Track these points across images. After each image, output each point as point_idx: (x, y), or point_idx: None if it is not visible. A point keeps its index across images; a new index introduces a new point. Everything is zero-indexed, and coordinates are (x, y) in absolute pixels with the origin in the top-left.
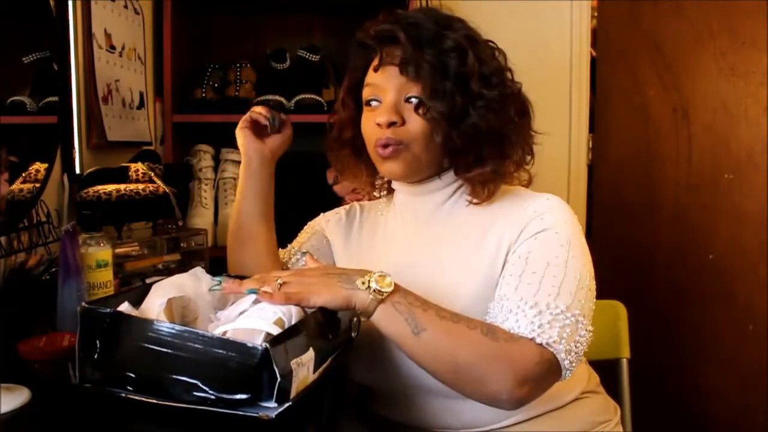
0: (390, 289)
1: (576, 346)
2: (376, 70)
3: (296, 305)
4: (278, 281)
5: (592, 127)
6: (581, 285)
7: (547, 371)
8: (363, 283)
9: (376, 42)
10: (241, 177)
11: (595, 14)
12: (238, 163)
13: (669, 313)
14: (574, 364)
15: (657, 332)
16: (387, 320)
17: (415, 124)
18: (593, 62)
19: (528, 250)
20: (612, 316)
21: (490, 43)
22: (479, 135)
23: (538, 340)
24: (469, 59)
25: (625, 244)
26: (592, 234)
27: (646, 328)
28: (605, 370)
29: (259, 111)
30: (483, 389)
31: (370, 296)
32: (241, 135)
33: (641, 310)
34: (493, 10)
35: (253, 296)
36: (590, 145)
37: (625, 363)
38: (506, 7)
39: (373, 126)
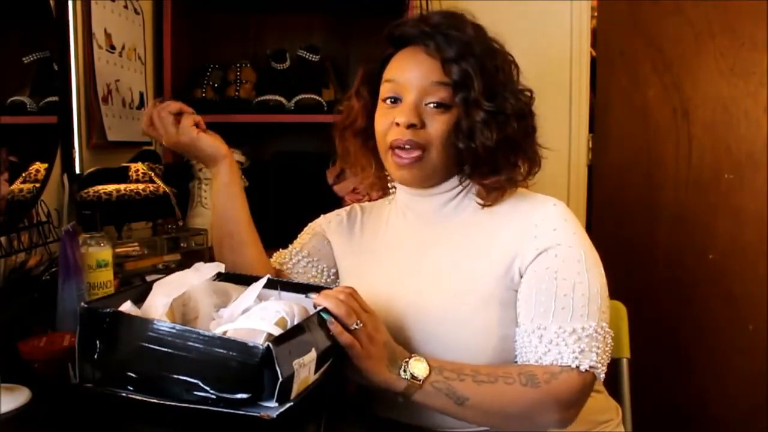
0: (425, 374)
1: (607, 356)
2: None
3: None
4: (356, 325)
5: (592, 127)
6: (602, 295)
7: (588, 390)
8: (402, 369)
9: (406, 38)
10: (224, 181)
11: (595, 14)
12: (239, 163)
13: (669, 313)
14: (605, 371)
15: (657, 332)
16: (429, 400)
17: (436, 127)
18: (593, 62)
19: (555, 270)
20: (612, 316)
21: (509, 57)
22: (499, 144)
23: (582, 368)
24: (498, 70)
25: (625, 244)
26: (592, 234)
27: (646, 328)
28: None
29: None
30: (533, 427)
31: (407, 383)
32: (205, 137)
33: (641, 310)
34: (493, 9)
35: (256, 294)
36: (590, 145)
37: (625, 363)
38: (506, 7)
39: (389, 124)
